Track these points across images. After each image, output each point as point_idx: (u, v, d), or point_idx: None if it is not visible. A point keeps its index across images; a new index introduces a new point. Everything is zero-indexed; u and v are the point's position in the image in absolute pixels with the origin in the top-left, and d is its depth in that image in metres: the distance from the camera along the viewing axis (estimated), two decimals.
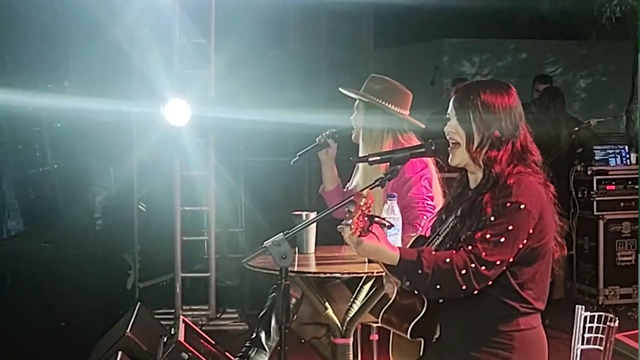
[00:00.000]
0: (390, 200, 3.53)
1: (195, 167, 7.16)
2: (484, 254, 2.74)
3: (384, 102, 4.18)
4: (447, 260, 2.75)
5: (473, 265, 2.73)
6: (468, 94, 2.92)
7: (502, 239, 2.75)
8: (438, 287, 2.76)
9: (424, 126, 4.23)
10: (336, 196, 4.24)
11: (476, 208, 2.84)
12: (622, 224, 7.16)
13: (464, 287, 2.75)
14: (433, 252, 2.80)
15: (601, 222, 7.12)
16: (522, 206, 2.77)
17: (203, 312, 7.18)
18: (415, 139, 4.22)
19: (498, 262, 2.76)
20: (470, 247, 2.76)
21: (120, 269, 7.66)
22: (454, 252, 2.78)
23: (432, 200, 4.03)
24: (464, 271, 2.73)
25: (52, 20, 7.32)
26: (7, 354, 5.82)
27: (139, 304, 5.60)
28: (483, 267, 2.74)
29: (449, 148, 2.98)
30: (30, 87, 6.81)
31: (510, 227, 2.75)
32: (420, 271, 2.74)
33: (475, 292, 2.77)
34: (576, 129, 7.43)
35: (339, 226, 2.72)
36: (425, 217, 3.86)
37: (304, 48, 9.38)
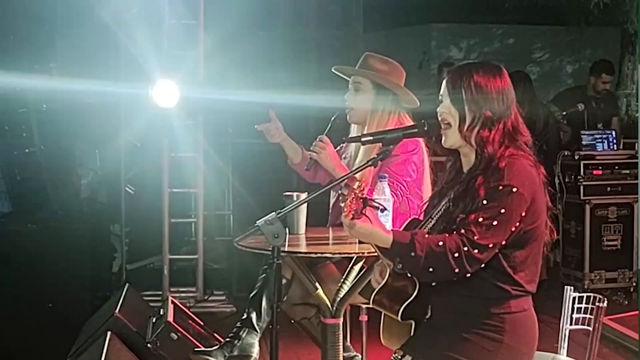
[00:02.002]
0: (380, 181, 3.53)
1: (183, 149, 7.14)
2: (476, 237, 2.75)
3: (397, 83, 4.19)
4: (440, 243, 2.76)
5: (466, 248, 2.74)
6: (461, 75, 2.94)
7: (495, 222, 2.76)
8: (431, 270, 2.78)
9: (418, 103, 4.23)
10: (318, 172, 4.24)
11: (469, 190, 2.85)
12: (608, 209, 7.19)
13: (456, 270, 2.76)
14: (426, 235, 2.81)
15: (587, 207, 7.15)
16: (514, 189, 2.78)
17: (190, 294, 7.18)
18: (410, 119, 4.22)
19: (490, 245, 2.77)
20: (463, 230, 2.77)
21: (108, 251, 7.65)
22: (447, 235, 2.79)
23: (407, 185, 4.03)
24: (456, 254, 2.74)
25: (39, 0, 7.26)
26: None
27: (127, 285, 5.60)
28: (476, 250, 2.75)
29: (442, 129, 2.98)
30: (16, 68, 6.75)
31: (502, 211, 2.76)
32: (413, 254, 2.76)
33: (468, 275, 2.78)
34: (564, 112, 7.45)
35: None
36: (393, 197, 3.86)
37: (294, 29, 9.37)
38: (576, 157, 7.17)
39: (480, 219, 2.76)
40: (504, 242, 2.80)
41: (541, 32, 13.06)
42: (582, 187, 7.16)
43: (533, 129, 7.00)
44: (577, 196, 7.19)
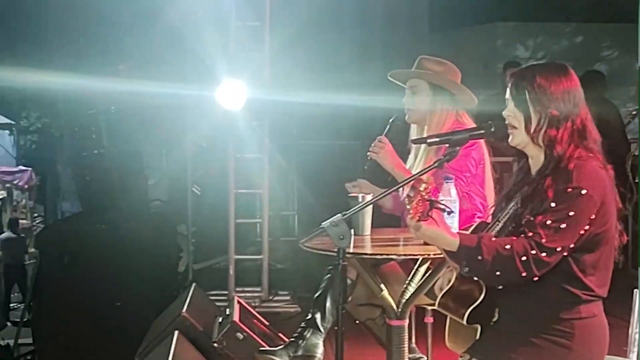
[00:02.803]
0: (447, 182, 3.51)
1: (249, 150, 7.19)
2: (544, 240, 2.71)
3: (453, 81, 4.18)
4: (507, 246, 2.72)
5: (533, 251, 2.70)
6: (524, 78, 2.90)
7: (563, 225, 2.71)
8: (498, 273, 2.74)
9: (476, 101, 4.20)
10: (395, 204, 4.23)
11: (537, 192, 2.81)
12: None
13: (523, 274, 2.72)
14: (493, 239, 2.78)
15: None
16: (584, 192, 2.73)
17: (255, 294, 7.22)
18: (468, 118, 4.20)
19: (559, 249, 2.73)
20: (531, 234, 2.73)
21: (174, 251, 7.74)
22: (515, 238, 2.76)
23: (466, 180, 4.00)
24: (524, 258, 2.71)
25: (109, 3, 7.39)
26: (63, 334, 5.91)
27: (194, 284, 5.65)
28: (544, 254, 2.71)
29: (508, 130, 2.95)
30: (85, 70, 6.88)
31: (571, 213, 2.72)
32: (479, 257, 2.73)
33: (535, 278, 2.75)
34: (634, 112, 7.31)
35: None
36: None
37: (359, 30, 9.36)
38: None
39: (549, 222, 2.72)
40: (572, 246, 2.75)
41: (610, 30, 12.82)
42: None
43: (605, 129, 6.93)
44: None
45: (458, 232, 2.81)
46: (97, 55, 7.41)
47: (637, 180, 7.12)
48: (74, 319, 5.96)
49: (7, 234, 12.93)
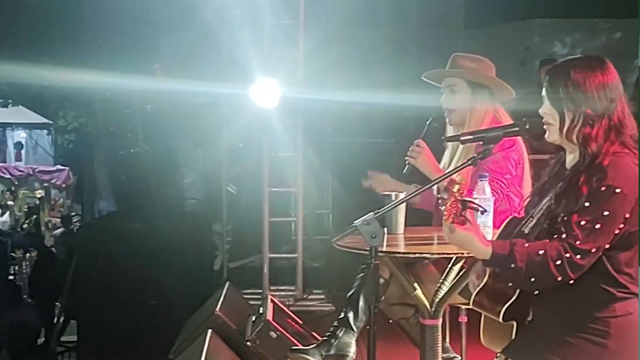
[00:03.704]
0: (481, 180, 3.47)
1: (283, 149, 7.19)
2: (578, 242, 2.68)
3: (491, 77, 4.14)
4: (541, 252, 2.70)
5: (567, 255, 2.67)
6: (558, 74, 2.86)
7: (598, 225, 2.68)
8: (532, 280, 2.73)
9: (514, 94, 4.16)
10: (426, 199, 4.19)
11: (572, 188, 2.77)
12: None
13: (559, 279, 2.70)
14: (526, 245, 2.74)
15: None
16: (618, 190, 2.68)
17: (290, 293, 7.23)
18: (505, 114, 4.16)
19: (594, 250, 2.69)
20: (564, 235, 2.70)
21: (209, 249, 7.76)
22: (548, 241, 2.73)
23: (507, 182, 3.95)
24: (558, 262, 2.68)
25: (144, 3, 7.42)
26: (99, 332, 5.95)
27: (227, 283, 5.66)
28: (578, 256, 2.68)
29: (545, 126, 2.92)
30: (122, 69, 6.92)
31: (605, 213, 2.68)
32: (513, 265, 2.71)
33: (571, 281, 2.71)
34: None
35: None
36: (494, 196, 3.79)
37: (394, 28, 9.33)
38: None
39: (583, 222, 2.69)
40: (607, 246, 2.72)
41: None
42: None
43: None
44: None
45: (490, 241, 2.77)
46: (132, 55, 7.45)
47: None
48: (109, 317, 6.00)
49: (61, 229, 13.06)
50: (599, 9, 12.17)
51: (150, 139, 7.44)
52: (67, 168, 16.47)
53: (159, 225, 6.50)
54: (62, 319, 7.94)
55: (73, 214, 15.55)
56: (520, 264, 2.70)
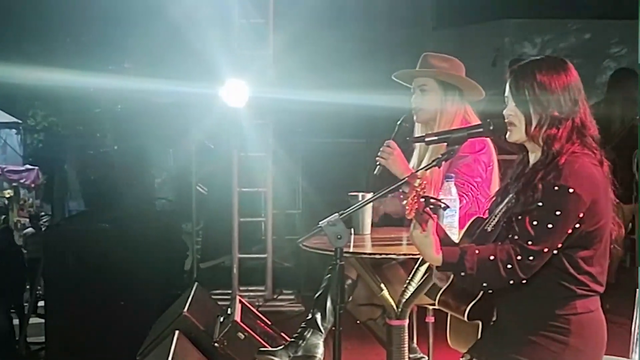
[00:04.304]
0: (447, 181, 3.48)
1: (253, 149, 7.17)
2: (530, 242, 2.70)
3: (462, 76, 4.14)
4: (492, 257, 2.72)
5: (519, 257, 2.70)
6: (523, 75, 2.87)
7: (550, 225, 2.70)
8: (484, 284, 2.77)
9: (484, 94, 4.16)
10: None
11: (530, 187, 2.79)
12: None
13: (511, 282, 2.73)
14: (476, 251, 2.76)
15: None
16: (571, 190, 2.70)
17: (260, 293, 7.22)
18: (474, 115, 4.16)
19: (545, 250, 2.71)
20: (517, 236, 2.72)
21: (179, 250, 7.73)
22: (499, 245, 2.75)
23: (477, 185, 3.96)
24: (509, 265, 2.71)
25: (112, 1, 7.38)
26: (67, 332, 5.91)
27: (196, 283, 5.64)
28: (530, 257, 2.70)
29: (508, 127, 2.93)
30: (90, 68, 6.87)
31: (558, 213, 2.70)
32: (463, 273, 2.74)
33: (524, 281, 2.74)
34: None
35: None
36: (464, 199, 3.80)
37: (363, 28, 9.33)
38: None
39: (535, 222, 2.71)
40: (560, 245, 2.74)
41: (619, 27, 12.73)
42: None
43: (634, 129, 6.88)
44: None
45: (442, 248, 2.78)
46: (102, 54, 7.39)
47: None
48: (77, 317, 5.95)
49: (30, 229, 12.96)
50: (568, 10, 12.24)
51: (120, 138, 7.40)
52: (36, 168, 16.30)
53: (129, 225, 6.46)
54: (29, 319, 7.88)
55: (42, 213, 15.46)
56: (470, 271, 2.73)
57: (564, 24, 12.72)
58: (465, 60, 4.38)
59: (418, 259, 3.77)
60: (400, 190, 2.66)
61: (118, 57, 7.54)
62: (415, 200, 2.65)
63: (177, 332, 4.52)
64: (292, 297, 7.21)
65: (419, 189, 2.65)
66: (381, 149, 4.02)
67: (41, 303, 6.46)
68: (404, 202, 2.66)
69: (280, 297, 7.22)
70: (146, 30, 7.45)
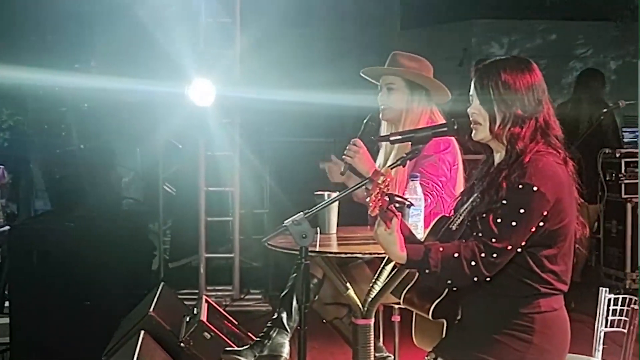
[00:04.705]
0: (412, 180, 3.50)
1: (219, 148, 7.14)
2: (494, 239, 2.72)
3: (429, 77, 4.15)
4: (456, 255, 2.73)
5: (483, 254, 2.72)
6: (488, 74, 2.89)
7: (514, 223, 2.72)
8: (449, 282, 2.79)
9: (450, 96, 4.18)
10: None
11: (494, 185, 2.81)
12: None
13: (475, 279, 2.75)
14: (440, 249, 2.77)
15: (629, 205, 7.04)
16: (535, 188, 2.72)
17: (227, 293, 7.20)
18: (439, 114, 4.18)
19: (509, 248, 2.73)
20: (481, 234, 2.74)
21: (147, 249, 7.68)
22: (463, 243, 2.77)
23: (442, 185, 3.98)
24: (473, 263, 2.72)
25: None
26: (32, 332, 5.85)
27: (162, 283, 5.62)
28: (494, 255, 2.72)
29: (472, 126, 2.94)
30: (56, 66, 6.80)
31: (522, 211, 2.72)
32: (428, 271, 2.76)
33: (488, 279, 2.75)
34: (604, 110, 7.31)
35: None
36: (429, 198, 3.82)
37: (330, 27, 9.34)
38: (617, 155, 7.07)
39: (499, 220, 2.73)
40: (523, 243, 2.75)
41: (584, 28, 12.86)
42: (623, 186, 7.04)
43: (600, 132, 6.95)
44: (618, 194, 7.08)
45: (406, 246, 2.79)
46: (68, 52, 7.32)
47: (607, 178, 7.14)
48: (42, 317, 5.89)
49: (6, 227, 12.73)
50: (535, 11, 12.33)
51: (87, 137, 7.33)
52: (1, 167, 16.14)
53: (95, 224, 6.40)
54: None
55: (8, 212, 15.27)
56: (434, 268, 2.74)
57: (531, 24, 12.82)
58: (433, 60, 4.40)
59: (384, 257, 3.78)
60: (365, 188, 2.66)
61: (84, 56, 7.48)
62: (379, 198, 2.65)
63: (142, 332, 4.49)
64: (259, 296, 7.20)
65: (382, 186, 2.65)
66: (347, 147, 4.03)
67: (7, 303, 6.38)
68: (367, 199, 2.67)
69: (247, 296, 7.20)
70: (113, 28, 7.40)
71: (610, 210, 7.21)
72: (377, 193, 2.65)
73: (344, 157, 4.05)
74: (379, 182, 2.65)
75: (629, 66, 13.07)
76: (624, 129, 7.24)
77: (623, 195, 7.05)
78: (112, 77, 6.94)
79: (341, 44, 9.26)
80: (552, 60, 12.04)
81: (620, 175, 7.04)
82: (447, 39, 12.40)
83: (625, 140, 7.14)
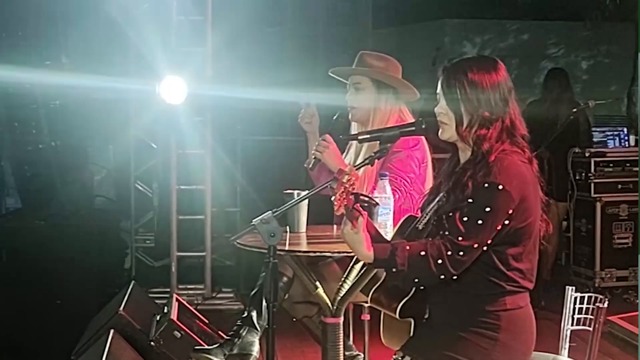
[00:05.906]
0: (381, 179, 3.51)
1: (191, 146, 7.12)
2: (460, 237, 2.73)
3: (397, 77, 4.16)
4: (422, 253, 2.74)
5: (449, 252, 2.73)
6: (455, 74, 2.89)
7: (480, 221, 2.73)
8: (416, 280, 2.79)
9: (418, 96, 4.20)
10: (322, 172, 4.18)
11: (460, 185, 2.82)
12: (619, 207, 7.13)
13: (441, 277, 2.76)
14: (407, 247, 2.78)
15: (598, 205, 7.09)
16: (500, 187, 2.74)
17: (199, 292, 7.18)
18: (408, 113, 4.20)
19: (475, 246, 2.75)
20: (447, 232, 2.75)
21: (118, 248, 7.65)
22: (430, 241, 2.78)
23: (410, 181, 4.00)
24: (439, 261, 2.73)
25: None
26: (1, 331, 5.82)
27: (132, 282, 5.60)
28: (460, 253, 2.73)
29: (439, 125, 2.96)
30: (26, 63, 6.74)
31: (487, 209, 2.73)
32: (394, 269, 2.76)
33: (454, 277, 2.76)
34: (574, 110, 7.36)
35: None
36: (397, 193, 3.84)
37: (302, 26, 9.33)
38: (587, 155, 7.11)
39: (465, 218, 2.74)
40: (489, 241, 2.77)
41: (556, 28, 12.95)
42: (592, 185, 7.09)
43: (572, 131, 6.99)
44: (587, 194, 7.13)
45: (373, 244, 2.80)
46: (38, 49, 7.25)
47: (577, 177, 7.19)
48: (12, 316, 5.86)
49: None
50: (507, 11, 12.39)
51: (58, 134, 7.26)
52: None
53: (66, 222, 6.39)
54: None
55: None
56: (401, 267, 2.74)
57: (503, 24, 12.89)
58: (405, 59, 4.41)
59: (353, 256, 3.79)
60: (329, 186, 2.66)
61: (55, 53, 7.41)
62: (344, 197, 2.66)
63: (112, 331, 4.48)
64: (231, 295, 7.18)
65: (347, 185, 2.65)
66: (317, 143, 4.04)
67: None
68: (332, 197, 2.67)
69: (219, 295, 7.18)
70: (84, 25, 7.35)
71: (579, 210, 7.25)
72: (342, 192, 2.65)
73: (313, 152, 4.06)
74: (344, 180, 2.65)
75: (600, 66, 13.19)
76: (593, 129, 7.28)
77: (592, 195, 7.10)
78: (83, 75, 6.89)
79: (313, 43, 9.25)
80: (524, 59, 12.13)
81: (589, 175, 7.08)
82: (420, 39, 12.45)
83: (594, 139, 7.18)
